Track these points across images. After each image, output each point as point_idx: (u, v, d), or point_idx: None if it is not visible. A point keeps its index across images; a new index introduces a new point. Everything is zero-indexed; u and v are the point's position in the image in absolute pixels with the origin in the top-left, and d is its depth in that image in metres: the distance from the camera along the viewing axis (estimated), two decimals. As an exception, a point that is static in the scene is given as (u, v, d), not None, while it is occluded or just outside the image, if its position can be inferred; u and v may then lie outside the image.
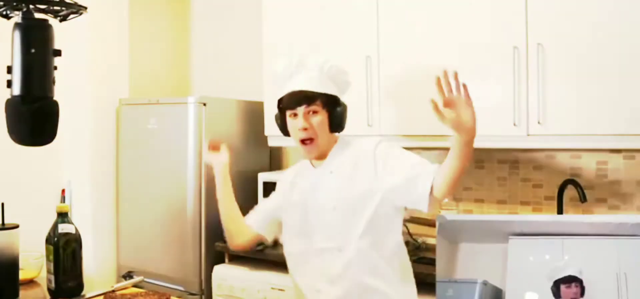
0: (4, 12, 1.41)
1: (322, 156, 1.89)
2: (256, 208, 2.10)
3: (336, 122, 1.85)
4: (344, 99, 1.89)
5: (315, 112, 1.81)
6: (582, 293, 1.33)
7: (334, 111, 1.84)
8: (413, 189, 1.74)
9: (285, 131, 1.91)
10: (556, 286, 1.35)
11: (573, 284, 1.33)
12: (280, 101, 1.88)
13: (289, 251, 1.96)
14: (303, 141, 1.83)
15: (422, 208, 1.75)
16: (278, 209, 2.00)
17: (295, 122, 1.83)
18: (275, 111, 1.93)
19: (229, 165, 2.00)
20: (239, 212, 2.03)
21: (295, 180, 1.97)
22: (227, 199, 2.01)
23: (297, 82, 1.83)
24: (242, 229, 2.02)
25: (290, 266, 1.97)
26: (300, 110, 1.81)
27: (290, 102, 1.83)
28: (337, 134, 1.92)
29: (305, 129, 1.80)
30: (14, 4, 1.36)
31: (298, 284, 1.94)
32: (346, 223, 1.81)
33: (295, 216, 1.92)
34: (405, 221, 2.84)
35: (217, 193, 2.00)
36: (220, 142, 2.02)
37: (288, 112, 1.85)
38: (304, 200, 1.90)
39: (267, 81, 3.03)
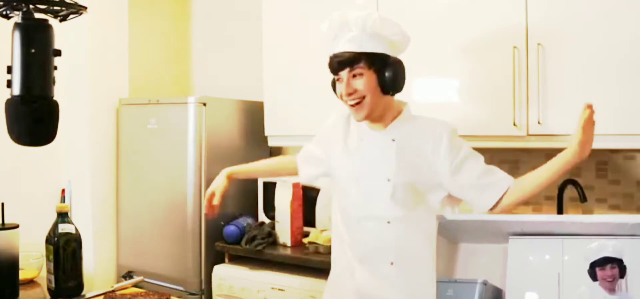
0: (4, 12, 1.41)
1: (378, 119, 1.77)
2: (307, 156, 2.06)
3: (387, 82, 1.70)
4: (402, 56, 1.76)
5: (360, 74, 1.69)
6: (622, 274, 1.31)
7: (383, 71, 1.70)
8: (478, 197, 1.73)
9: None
10: (592, 268, 1.32)
11: (608, 266, 1.31)
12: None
13: (338, 213, 1.88)
14: (352, 106, 1.72)
15: (478, 211, 1.75)
16: (326, 165, 1.94)
17: (340, 87, 1.73)
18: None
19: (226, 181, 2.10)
20: (274, 163, 2.18)
21: (347, 135, 1.86)
22: (253, 170, 2.18)
23: (341, 43, 1.71)
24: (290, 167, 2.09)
25: (337, 232, 1.89)
26: (344, 74, 1.70)
27: (333, 66, 1.72)
28: (401, 101, 1.81)
29: (350, 94, 1.70)
30: (14, 4, 1.36)
31: (340, 250, 1.89)
32: (398, 198, 1.73)
33: (342, 176, 1.84)
34: (405, 221, 2.84)
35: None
36: (214, 198, 2.08)
37: (335, 77, 1.75)
38: (356, 162, 1.81)
39: (267, 80, 3.03)
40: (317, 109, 2.78)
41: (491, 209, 1.73)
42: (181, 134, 2.95)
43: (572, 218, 2.00)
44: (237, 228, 2.88)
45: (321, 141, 2.00)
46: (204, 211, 2.92)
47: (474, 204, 1.77)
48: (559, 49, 2.25)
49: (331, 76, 1.83)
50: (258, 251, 2.75)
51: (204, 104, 2.95)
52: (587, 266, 1.33)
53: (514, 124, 2.33)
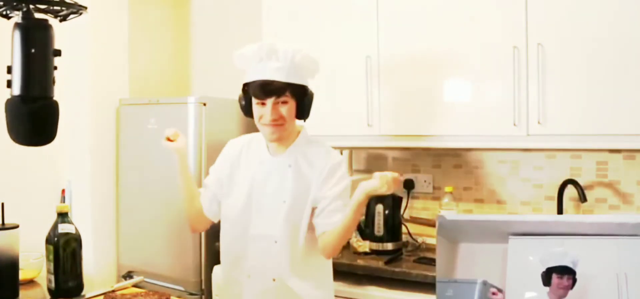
0: (4, 12, 1.41)
1: (282, 142, 1.91)
2: (204, 189, 2.09)
3: (303, 110, 1.88)
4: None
5: (284, 102, 1.82)
6: (572, 286, 1.33)
7: (303, 100, 1.86)
8: (321, 217, 1.85)
9: (248, 112, 1.91)
10: (547, 273, 1.34)
11: (566, 277, 1.33)
12: (246, 85, 1.88)
13: (227, 230, 1.98)
14: (271, 125, 1.84)
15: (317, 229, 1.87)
16: (220, 188, 2.02)
17: (262, 110, 1.84)
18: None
19: (186, 150, 2.06)
20: (198, 196, 2.09)
21: (247, 161, 1.97)
22: (188, 184, 2.07)
23: (267, 70, 1.81)
24: (200, 215, 2.07)
25: (223, 249, 2.00)
26: (269, 101, 1.82)
27: (259, 92, 1.82)
28: (300, 123, 1.95)
29: (275, 120, 1.83)
30: (14, 4, 1.36)
31: (225, 268, 2.00)
32: (290, 219, 1.86)
33: (239, 197, 1.94)
34: (405, 221, 2.85)
35: (177, 178, 2.05)
36: (176, 134, 2.04)
37: (255, 100, 1.85)
38: (252, 185, 1.92)
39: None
40: (316, 109, 2.78)
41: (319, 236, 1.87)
42: (181, 134, 2.95)
43: (572, 218, 2.00)
44: (237, 228, 2.87)
45: (222, 164, 2.06)
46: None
47: (315, 222, 1.88)
48: (559, 49, 2.25)
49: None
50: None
51: (204, 104, 2.94)
52: (542, 269, 1.34)
53: (514, 124, 2.33)
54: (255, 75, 1.83)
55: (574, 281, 1.33)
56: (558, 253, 1.35)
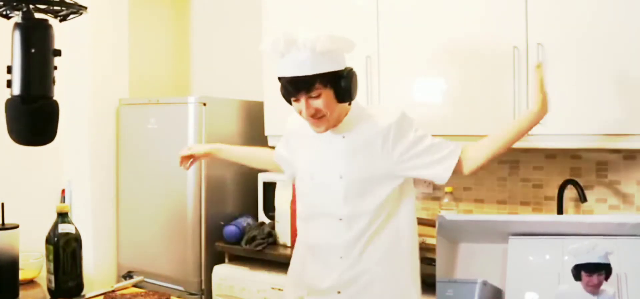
0: (4, 12, 1.41)
1: (337, 124, 1.82)
2: (280, 159, 2.13)
3: (343, 94, 1.74)
4: (348, 60, 1.78)
5: (317, 95, 1.71)
6: (607, 277, 1.29)
7: (338, 84, 1.73)
8: (435, 171, 1.78)
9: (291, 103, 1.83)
10: (577, 270, 1.31)
11: (596, 275, 1.29)
12: (280, 79, 1.78)
13: (298, 209, 1.97)
14: (312, 116, 1.76)
15: (438, 183, 1.82)
16: (292, 166, 2.02)
17: (298, 106, 1.76)
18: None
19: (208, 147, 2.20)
20: (251, 150, 2.29)
21: (305, 134, 1.89)
22: (240, 158, 2.25)
23: (291, 65, 1.70)
24: (269, 163, 2.18)
25: (298, 224, 1.98)
26: (301, 97, 1.72)
27: (289, 90, 1.74)
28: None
29: (313, 115, 1.74)
30: (14, 4, 1.36)
31: (298, 243, 1.98)
32: (351, 196, 1.77)
33: (304, 175, 1.90)
34: (405, 221, 2.84)
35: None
36: (187, 155, 2.19)
37: (292, 100, 1.77)
38: (311, 160, 1.86)
39: (267, 80, 3.03)
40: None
41: (449, 178, 1.80)
42: (181, 134, 2.95)
43: (572, 218, 2.00)
44: (237, 228, 2.88)
45: (285, 142, 2.08)
46: (204, 211, 2.93)
47: (433, 179, 1.82)
48: (559, 49, 2.25)
49: None
50: (258, 251, 2.75)
51: (204, 104, 2.95)
52: (572, 264, 1.31)
53: (514, 124, 2.33)
54: (281, 71, 1.73)
55: (608, 274, 1.29)
56: (586, 247, 1.32)
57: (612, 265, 1.33)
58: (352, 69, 1.78)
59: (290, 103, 1.81)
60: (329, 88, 1.72)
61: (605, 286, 1.30)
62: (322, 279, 1.84)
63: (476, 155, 1.80)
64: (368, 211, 1.78)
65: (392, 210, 1.81)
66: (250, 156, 2.32)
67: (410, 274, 1.84)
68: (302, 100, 1.73)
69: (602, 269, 1.30)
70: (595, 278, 1.30)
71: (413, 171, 1.79)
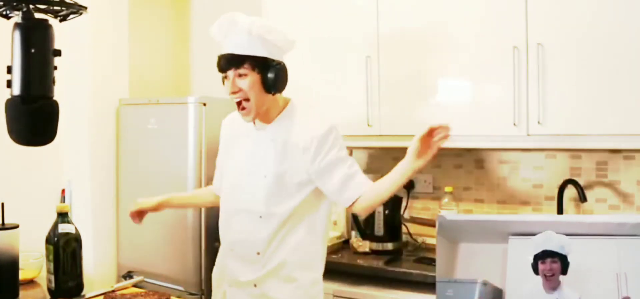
0: (4, 12, 1.41)
1: (265, 118, 1.91)
2: (216, 169, 2.19)
3: (269, 83, 1.84)
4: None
5: (244, 75, 1.82)
6: (564, 270, 1.32)
7: (265, 72, 1.84)
8: (339, 196, 1.86)
9: None
10: (535, 261, 1.35)
11: (549, 261, 1.33)
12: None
13: (222, 205, 2.04)
14: (238, 104, 1.86)
15: (340, 207, 1.95)
16: (222, 167, 2.10)
17: (227, 85, 1.87)
18: None
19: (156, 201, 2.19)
20: (194, 194, 2.37)
21: (238, 134, 2.01)
22: (182, 204, 2.39)
23: (228, 44, 1.84)
24: (213, 199, 2.19)
25: (220, 221, 2.05)
26: (230, 74, 1.84)
27: (221, 65, 1.85)
28: (287, 97, 1.94)
29: (234, 92, 1.84)
30: (14, 4, 1.36)
31: (221, 239, 2.05)
32: (272, 195, 1.87)
33: (231, 172, 2.00)
34: (405, 221, 2.85)
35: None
36: (137, 209, 2.20)
37: (222, 76, 1.88)
38: (240, 158, 1.96)
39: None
40: (316, 109, 2.78)
41: (349, 207, 1.89)
42: (181, 134, 2.95)
43: (572, 218, 2.00)
44: (237, 228, 2.87)
45: (222, 152, 2.14)
46: (204, 211, 2.93)
47: (336, 202, 1.92)
48: (559, 49, 2.25)
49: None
50: (258, 251, 2.75)
51: (204, 104, 2.94)
52: (532, 261, 1.34)
53: (514, 124, 2.33)
54: (220, 51, 1.86)
55: (564, 265, 1.32)
56: (539, 239, 1.36)
57: (612, 265, 1.33)
58: (283, 63, 1.88)
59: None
60: (257, 73, 1.83)
61: (565, 286, 1.31)
62: (241, 273, 1.94)
63: (369, 198, 1.86)
64: (286, 210, 1.88)
65: (309, 209, 1.92)
66: (194, 199, 2.45)
67: (320, 268, 1.98)
68: (230, 77, 1.84)
69: (555, 256, 1.32)
70: (548, 264, 1.33)
71: (322, 187, 1.88)
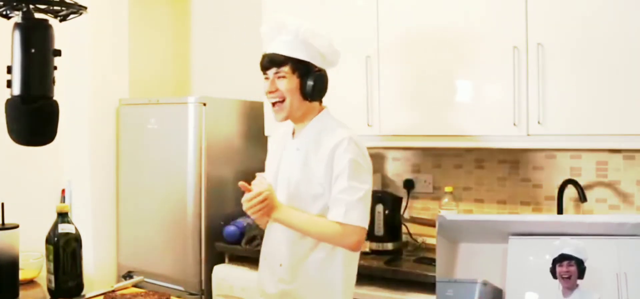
0: (4, 12, 1.41)
1: (299, 121, 1.91)
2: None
3: (307, 89, 1.83)
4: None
5: (283, 77, 1.82)
6: (581, 275, 1.32)
7: (305, 78, 1.83)
8: (336, 209, 1.79)
9: None
10: (553, 265, 1.35)
11: (565, 263, 1.33)
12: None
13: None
14: (273, 104, 1.86)
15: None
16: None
17: (265, 84, 1.87)
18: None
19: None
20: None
21: (275, 143, 2.04)
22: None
23: (275, 44, 1.84)
24: None
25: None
26: (270, 73, 1.84)
27: (263, 64, 1.86)
28: (320, 105, 1.93)
29: (271, 92, 1.84)
30: (14, 4, 1.36)
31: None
32: (290, 203, 1.86)
33: (270, 176, 1.99)
34: (405, 221, 2.84)
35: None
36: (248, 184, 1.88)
37: (263, 75, 1.88)
38: (273, 165, 1.98)
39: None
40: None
41: None
42: (181, 134, 2.95)
43: (572, 218, 2.00)
44: (237, 228, 2.88)
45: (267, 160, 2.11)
46: (204, 211, 2.93)
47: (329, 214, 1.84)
48: (559, 49, 2.25)
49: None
50: (258, 251, 2.74)
51: (204, 104, 2.95)
52: (550, 265, 1.35)
53: (514, 124, 2.33)
54: (266, 50, 1.86)
55: (581, 269, 1.32)
56: (557, 244, 1.35)
57: (612, 265, 1.33)
58: (324, 71, 1.88)
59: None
60: (297, 77, 1.82)
61: (582, 288, 1.32)
62: (268, 284, 1.94)
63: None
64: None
65: None
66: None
67: (343, 291, 1.89)
68: (270, 76, 1.84)
69: (571, 260, 1.33)
70: (565, 266, 1.33)
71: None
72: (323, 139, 1.85)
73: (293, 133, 1.96)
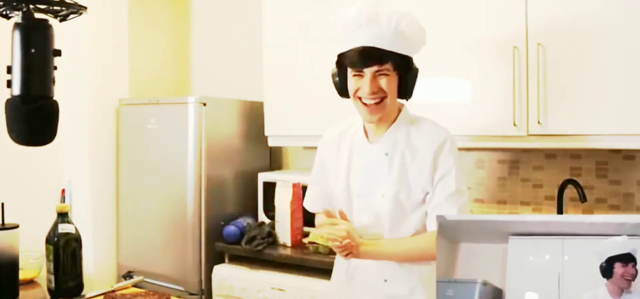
0: (4, 12, 1.41)
1: (382, 127, 1.71)
2: (313, 190, 1.93)
3: (407, 87, 1.65)
4: (416, 59, 1.67)
5: (385, 74, 1.60)
6: (635, 277, 1.29)
7: (407, 75, 1.63)
8: (436, 209, 1.65)
9: (344, 90, 1.70)
10: (609, 263, 1.30)
11: (631, 264, 1.29)
12: (341, 56, 1.66)
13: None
14: (371, 106, 1.63)
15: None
16: (327, 182, 1.84)
17: (359, 83, 1.62)
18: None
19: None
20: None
21: (345, 154, 1.78)
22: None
23: (367, 36, 1.58)
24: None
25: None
26: (368, 71, 1.60)
27: (357, 60, 1.60)
28: (401, 102, 1.73)
29: (374, 92, 1.60)
30: (14, 4, 1.36)
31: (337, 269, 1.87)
32: (393, 215, 1.68)
33: (340, 193, 1.77)
34: (405, 221, 2.84)
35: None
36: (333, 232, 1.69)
37: (351, 71, 1.63)
38: (350, 177, 1.74)
39: (267, 80, 3.03)
40: (317, 108, 2.78)
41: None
42: (181, 134, 2.95)
43: (572, 218, 1.99)
44: (237, 228, 2.88)
45: (319, 163, 1.91)
46: (204, 211, 2.93)
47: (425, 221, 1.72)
48: (559, 49, 2.25)
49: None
50: (258, 251, 2.75)
51: (204, 104, 2.95)
52: (601, 261, 1.30)
53: (514, 124, 2.33)
54: (354, 42, 1.59)
55: (637, 271, 1.29)
56: (619, 241, 1.31)
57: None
58: (417, 67, 1.69)
59: (343, 87, 1.69)
60: (397, 74, 1.62)
61: (633, 289, 1.29)
62: None
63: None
64: (408, 233, 1.70)
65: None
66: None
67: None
68: (368, 75, 1.60)
69: (635, 262, 1.29)
70: (630, 268, 1.28)
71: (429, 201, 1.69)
72: (415, 140, 1.69)
73: (366, 135, 1.74)
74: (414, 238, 1.69)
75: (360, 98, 1.64)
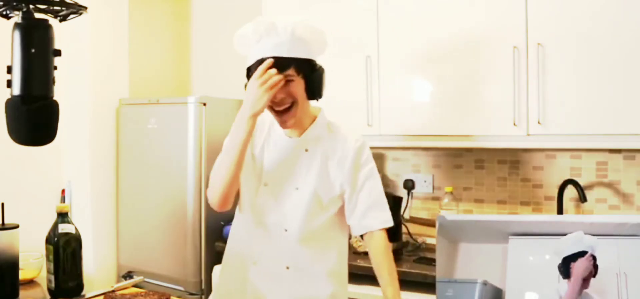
0: (4, 12, 1.41)
1: (298, 127, 1.78)
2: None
3: (314, 87, 1.71)
4: (320, 60, 1.75)
5: (290, 80, 1.67)
6: (595, 272, 1.29)
7: (311, 76, 1.71)
8: (363, 217, 1.76)
9: None
10: (566, 264, 1.31)
11: (585, 259, 1.29)
12: (248, 70, 1.74)
13: (246, 214, 1.84)
14: (281, 112, 1.71)
15: (354, 233, 1.81)
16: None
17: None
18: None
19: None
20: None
21: (266, 140, 1.84)
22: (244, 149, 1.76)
23: (268, 47, 1.67)
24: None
25: (232, 231, 1.90)
26: None
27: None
28: (316, 106, 1.81)
29: (282, 99, 1.68)
30: (14, 4, 1.36)
31: (228, 254, 1.88)
32: (303, 207, 1.75)
33: (255, 176, 1.82)
34: (405, 221, 2.85)
35: (239, 146, 1.73)
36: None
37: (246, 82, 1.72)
38: (268, 167, 1.80)
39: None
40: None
41: (363, 235, 1.79)
42: (181, 134, 2.95)
43: (572, 218, 2.00)
44: (237, 228, 2.88)
45: (258, 141, 1.90)
46: (204, 211, 2.93)
47: (349, 224, 1.79)
48: (559, 49, 2.25)
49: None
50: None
51: (204, 104, 2.95)
52: (559, 261, 1.31)
53: (514, 124, 2.33)
54: (256, 55, 1.69)
55: (595, 266, 1.30)
56: (571, 239, 1.32)
57: (612, 265, 1.33)
58: (323, 67, 1.76)
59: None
60: (301, 77, 1.69)
61: (592, 289, 1.30)
62: (269, 292, 1.79)
63: (374, 254, 1.77)
64: (318, 226, 1.77)
65: (340, 228, 1.82)
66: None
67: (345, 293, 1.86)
68: None
69: (590, 255, 1.30)
70: (586, 262, 1.29)
71: (347, 202, 1.78)
72: (336, 138, 1.78)
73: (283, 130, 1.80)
74: (389, 268, 1.75)
75: (271, 107, 1.72)
